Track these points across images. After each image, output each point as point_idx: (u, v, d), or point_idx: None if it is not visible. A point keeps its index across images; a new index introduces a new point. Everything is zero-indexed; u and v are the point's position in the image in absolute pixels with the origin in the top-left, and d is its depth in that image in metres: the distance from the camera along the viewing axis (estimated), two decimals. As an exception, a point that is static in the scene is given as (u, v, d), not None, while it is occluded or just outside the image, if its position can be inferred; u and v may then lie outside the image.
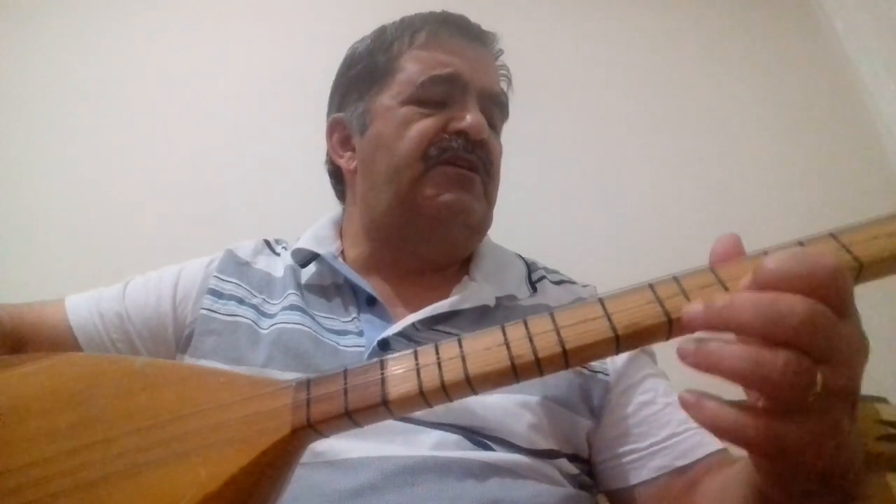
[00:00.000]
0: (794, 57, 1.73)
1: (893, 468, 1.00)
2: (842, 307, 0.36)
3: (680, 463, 0.69)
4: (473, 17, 0.91)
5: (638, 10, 1.76)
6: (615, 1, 1.78)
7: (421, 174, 0.81)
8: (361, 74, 0.90)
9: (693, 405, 0.37)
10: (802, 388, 0.34)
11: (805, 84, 1.70)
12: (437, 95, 0.83)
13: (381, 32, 0.91)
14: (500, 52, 0.95)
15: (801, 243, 0.39)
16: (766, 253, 0.39)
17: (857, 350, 0.37)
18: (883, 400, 1.12)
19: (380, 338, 0.74)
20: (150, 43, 1.65)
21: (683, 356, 0.37)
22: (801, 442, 0.36)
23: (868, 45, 1.67)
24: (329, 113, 0.95)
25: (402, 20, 0.91)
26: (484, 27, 0.92)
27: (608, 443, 0.74)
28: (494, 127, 0.90)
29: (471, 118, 0.81)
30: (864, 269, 0.37)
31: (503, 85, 0.94)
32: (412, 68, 0.85)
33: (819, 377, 0.34)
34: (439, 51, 0.86)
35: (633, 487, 0.71)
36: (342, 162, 0.92)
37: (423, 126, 0.81)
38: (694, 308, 0.37)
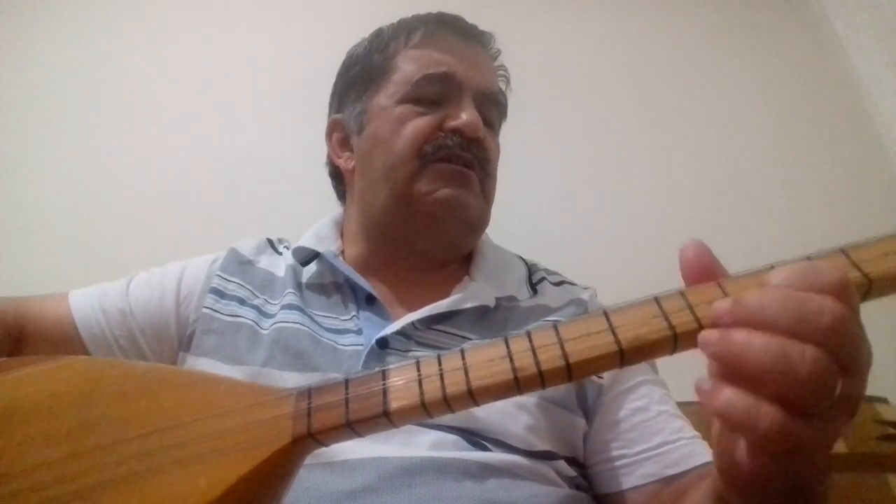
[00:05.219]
0: (794, 57, 1.73)
1: (893, 468, 1.00)
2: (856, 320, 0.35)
3: (670, 472, 0.68)
4: (472, 17, 0.92)
5: (637, 10, 1.76)
6: (614, 1, 1.77)
7: (416, 171, 0.81)
8: (358, 75, 0.91)
9: (706, 391, 0.36)
10: (824, 389, 0.33)
11: (805, 84, 1.70)
12: (433, 94, 0.84)
13: (378, 34, 0.92)
14: (498, 52, 0.95)
15: (809, 258, 0.39)
16: (772, 267, 0.39)
17: (868, 363, 0.36)
18: (883, 400, 1.12)
19: (378, 336, 0.74)
20: (151, 42, 1.65)
21: (705, 344, 0.36)
22: (809, 445, 0.35)
23: (868, 45, 1.67)
24: (329, 115, 0.97)
25: (399, 21, 0.92)
26: (482, 27, 0.92)
27: (599, 446, 0.74)
28: (491, 126, 0.90)
29: (465, 116, 0.82)
30: (873, 287, 0.37)
31: (501, 84, 0.94)
32: (407, 67, 0.86)
33: (840, 382, 0.34)
34: (434, 50, 0.86)
35: (621, 493, 0.70)
36: (341, 162, 0.93)
37: (419, 124, 0.82)
38: (723, 303, 0.36)
